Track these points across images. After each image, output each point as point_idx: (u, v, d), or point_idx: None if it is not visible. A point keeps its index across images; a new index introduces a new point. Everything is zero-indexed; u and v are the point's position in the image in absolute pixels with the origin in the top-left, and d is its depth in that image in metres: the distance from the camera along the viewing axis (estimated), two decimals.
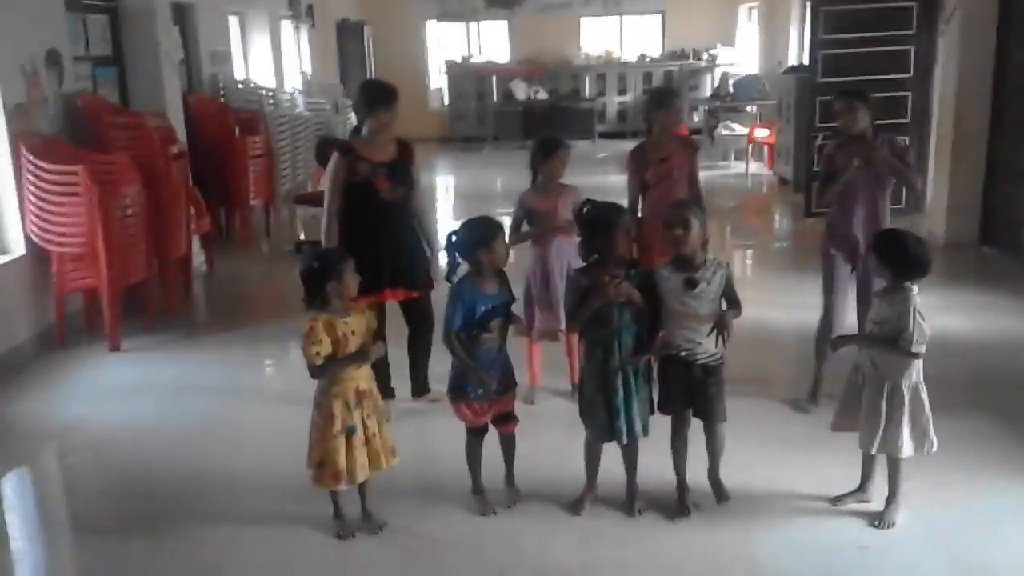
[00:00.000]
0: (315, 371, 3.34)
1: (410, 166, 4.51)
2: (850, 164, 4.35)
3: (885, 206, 4.47)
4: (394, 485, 3.76)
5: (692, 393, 3.54)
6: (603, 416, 3.47)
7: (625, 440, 3.49)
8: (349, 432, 3.35)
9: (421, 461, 4.20)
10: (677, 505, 3.62)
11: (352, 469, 3.37)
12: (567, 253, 4.42)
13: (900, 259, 3.35)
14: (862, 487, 3.64)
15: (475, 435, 3.67)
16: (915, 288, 3.35)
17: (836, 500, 3.63)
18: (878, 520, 3.48)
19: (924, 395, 3.40)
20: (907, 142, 4.44)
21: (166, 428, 4.69)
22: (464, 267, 3.56)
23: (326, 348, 3.27)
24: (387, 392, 4.60)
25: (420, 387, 4.73)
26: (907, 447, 3.40)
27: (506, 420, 3.68)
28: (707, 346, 3.49)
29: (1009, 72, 7.51)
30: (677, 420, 3.61)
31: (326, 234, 4.40)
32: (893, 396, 3.37)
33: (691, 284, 3.44)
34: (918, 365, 3.38)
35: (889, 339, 3.34)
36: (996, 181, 7.73)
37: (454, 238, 3.55)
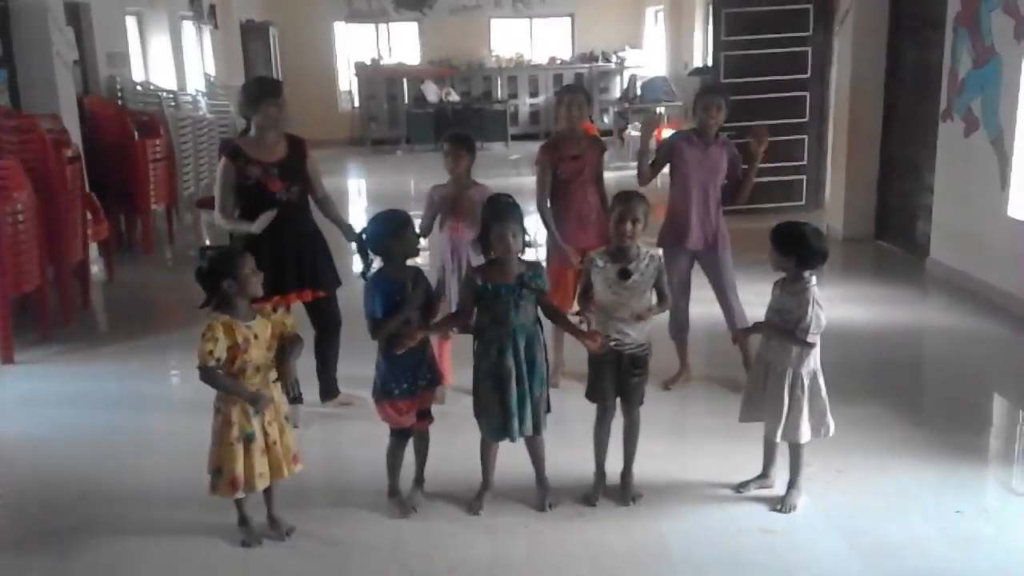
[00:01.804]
0: (204, 373, 3.17)
1: (303, 162, 4.39)
2: (689, 156, 4.67)
3: (714, 200, 4.74)
4: (303, 490, 3.69)
5: (619, 382, 3.59)
6: (498, 416, 3.48)
7: (516, 439, 3.50)
8: (247, 439, 3.26)
9: (330, 465, 4.14)
10: (592, 493, 3.66)
11: (251, 477, 3.28)
12: (463, 250, 4.46)
13: (801, 250, 3.44)
14: (765, 473, 3.74)
15: (399, 437, 3.65)
16: (814, 279, 3.46)
17: (740, 487, 3.73)
18: (780, 504, 3.58)
19: (821, 381, 3.51)
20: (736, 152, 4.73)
21: (64, 440, 4.50)
22: (377, 262, 3.56)
23: (220, 350, 3.15)
24: (294, 398, 4.51)
25: (329, 390, 4.65)
26: (806, 432, 3.51)
27: (423, 417, 3.67)
28: (636, 336, 3.55)
29: (900, 72, 7.83)
30: (602, 409, 3.67)
31: (234, 230, 4.27)
32: (794, 384, 3.47)
33: (625, 275, 3.50)
34: (815, 353, 3.49)
35: (789, 329, 3.43)
36: (890, 178, 8.05)
37: (364, 235, 3.56)
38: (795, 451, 3.58)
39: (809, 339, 3.40)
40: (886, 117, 8.04)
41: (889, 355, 5.47)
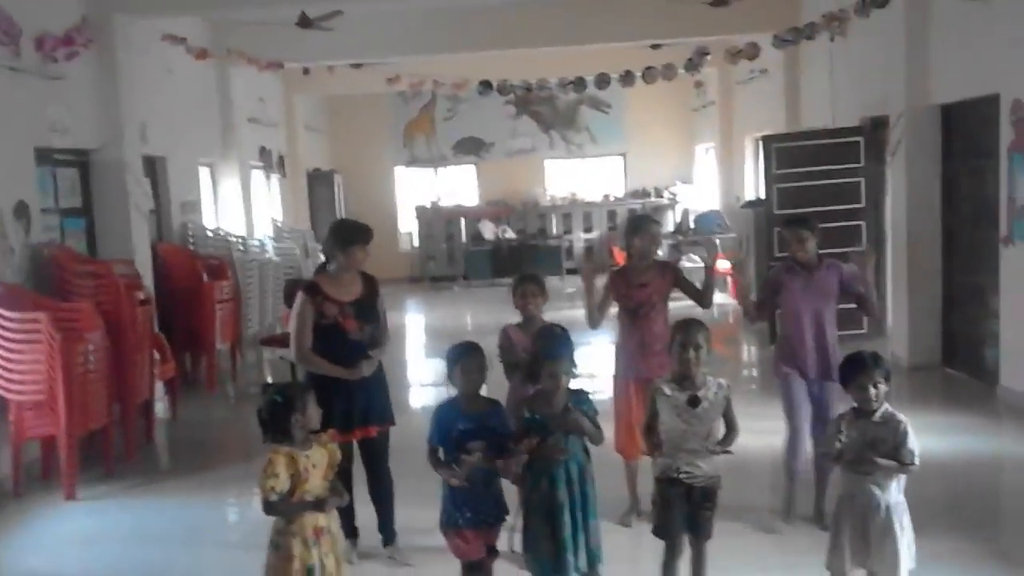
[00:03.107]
0: (268, 507, 3.23)
1: (376, 300, 4.46)
2: (793, 285, 4.60)
3: (830, 326, 4.65)
4: None
5: (690, 517, 3.50)
6: (549, 550, 3.38)
7: (571, 572, 3.38)
8: (309, 573, 3.22)
9: None
10: None
11: None
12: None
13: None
14: None
15: (471, 571, 3.57)
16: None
17: None
18: None
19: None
20: (854, 266, 4.68)
21: (120, 574, 4.49)
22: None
23: (283, 483, 3.19)
24: (350, 532, 4.45)
25: (387, 533, 4.50)
26: (908, 561, 3.34)
27: (490, 553, 3.61)
28: (707, 468, 3.48)
29: (956, 199, 7.81)
30: (671, 546, 3.55)
31: (320, 371, 4.23)
32: (894, 517, 3.32)
33: (694, 402, 3.46)
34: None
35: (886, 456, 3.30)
36: (954, 304, 7.90)
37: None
38: None
39: (917, 460, 3.29)
40: (945, 244, 7.97)
41: (965, 487, 5.22)
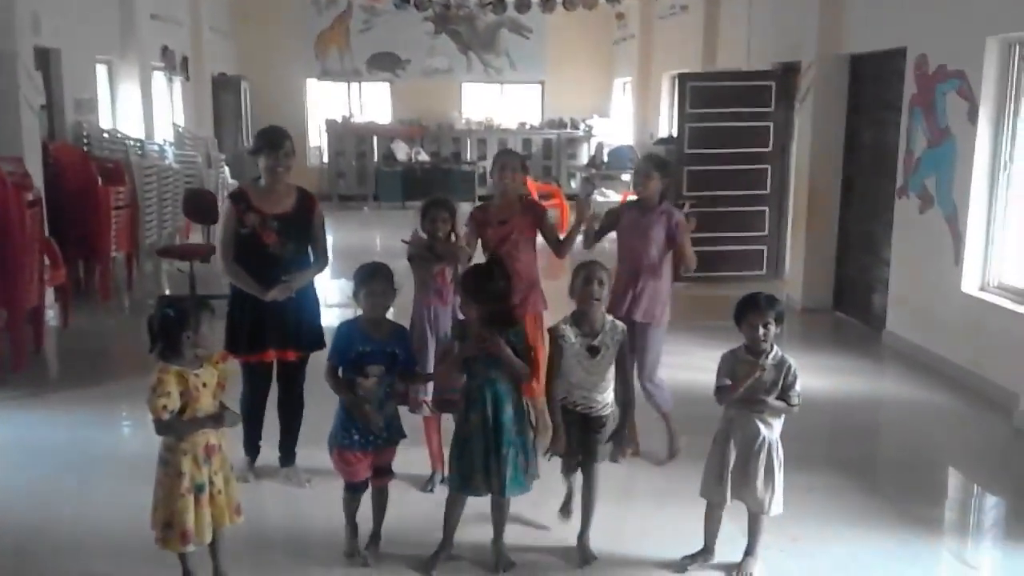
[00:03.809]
0: (161, 427, 3.16)
1: (308, 219, 4.28)
2: (625, 221, 4.65)
3: (648, 270, 4.59)
4: (254, 544, 3.60)
5: (583, 440, 3.60)
6: (459, 468, 3.46)
7: (481, 494, 3.46)
8: (198, 490, 3.19)
9: (282, 519, 4.05)
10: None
11: (201, 529, 3.20)
12: (445, 321, 4.23)
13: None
14: (709, 548, 3.66)
15: (351, 491, 3.60)
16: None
17: (685, 564, 3.63)
18: (736, 572, 3.56)
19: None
20: (685, 219, 4.67)
21: (4, 490, 4.35)
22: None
23: (174, 402, 3.12)
24: (252, 449, 4.42)
25: (286, 454, 4.46)
26: (780, 504, 3.50)
27: (383, 473, 3.63)
28: (602, 399, 3.59)
29: (858, 150, 8.05)
30: (566, 463, 3.70)
31: (239, 285, 4.16)
32: (771, 454, 3.46)
33: (594, 352, 3.52)
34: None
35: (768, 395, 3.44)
36: (849, 251, 8.22)
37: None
38: (760, 520, 3.56)
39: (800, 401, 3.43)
40: (844, 192, 8.23)
41: (845, 425, 5.51)
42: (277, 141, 4.22)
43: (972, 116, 6.08)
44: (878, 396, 6.17)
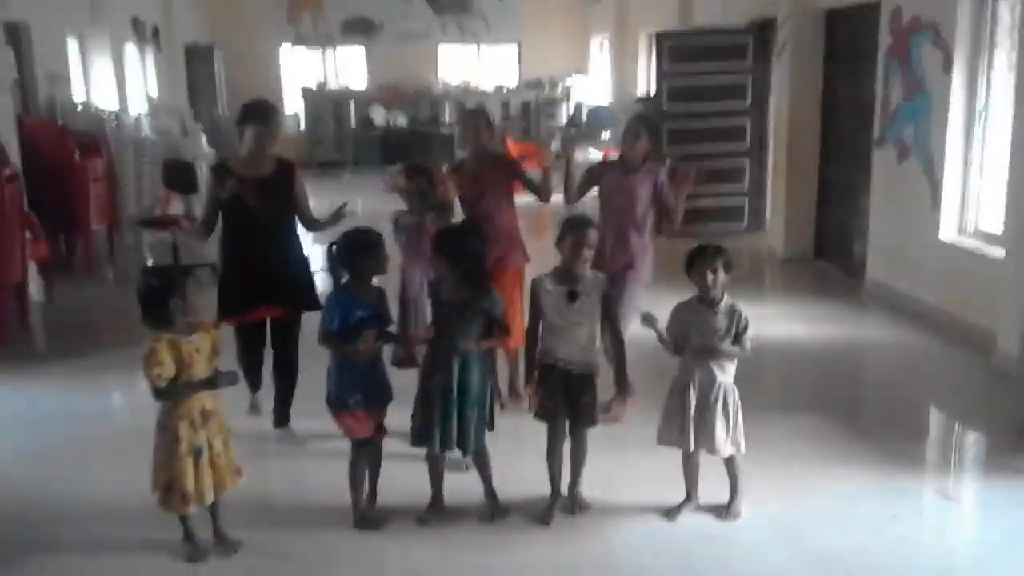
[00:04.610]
0: (159, 393, 3.21)
1: (289, 184, 4.37)
2: (609, 179, 4.72)
3: (633, 228, 4.68)
4: (256, 505, 3.66)
5: (568, 401, 3.62)
6: (418, 423, 3.53)
7: (437, 449, 3.51)
8: (196, 454, 3.23)
9: (280, 480, 4.11)
10: (547, 510, 3.68)
11: (200, 491, 3.26)
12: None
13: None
14: (691, 495, 3.73)
15: (361, 447, 3.64)
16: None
17: (670, 514, 3.68)
18: (724, 513, 3.65)
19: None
20: (688, 173, 4.75)
21: None
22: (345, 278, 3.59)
23: (168, 370, 3.16)
24: (253, 387, 4.64)
25: (280, 416, 4.52)
26: (742, 445, 3.59)
27: (378, 429, 3.69)
28: (584, 357, 3.60)
29: (836, 101, 8.09)
30: (553, 429, 3.68)
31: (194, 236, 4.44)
32: (727, 398, 3.54)
33: (572, 297, 3.54)
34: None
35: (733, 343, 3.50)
36: (828, 201, 8.29)
37: (335, 248, 3.59)
38: (734, 461, 3.65)
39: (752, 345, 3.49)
40: (823, 144, 8.29)
41: (829, 370, 5.61)
42: (266, 113, 4.34)
43: (947, 67, 6.13)
44: (860, 341, 6.28)
